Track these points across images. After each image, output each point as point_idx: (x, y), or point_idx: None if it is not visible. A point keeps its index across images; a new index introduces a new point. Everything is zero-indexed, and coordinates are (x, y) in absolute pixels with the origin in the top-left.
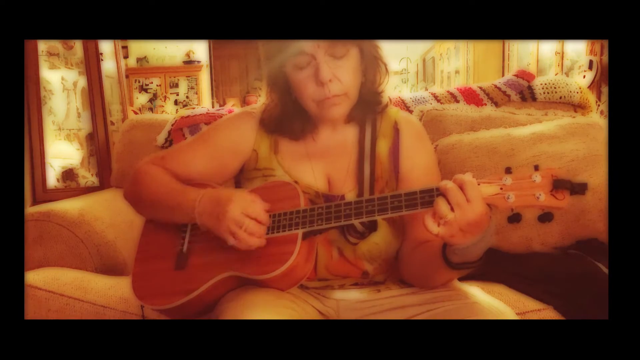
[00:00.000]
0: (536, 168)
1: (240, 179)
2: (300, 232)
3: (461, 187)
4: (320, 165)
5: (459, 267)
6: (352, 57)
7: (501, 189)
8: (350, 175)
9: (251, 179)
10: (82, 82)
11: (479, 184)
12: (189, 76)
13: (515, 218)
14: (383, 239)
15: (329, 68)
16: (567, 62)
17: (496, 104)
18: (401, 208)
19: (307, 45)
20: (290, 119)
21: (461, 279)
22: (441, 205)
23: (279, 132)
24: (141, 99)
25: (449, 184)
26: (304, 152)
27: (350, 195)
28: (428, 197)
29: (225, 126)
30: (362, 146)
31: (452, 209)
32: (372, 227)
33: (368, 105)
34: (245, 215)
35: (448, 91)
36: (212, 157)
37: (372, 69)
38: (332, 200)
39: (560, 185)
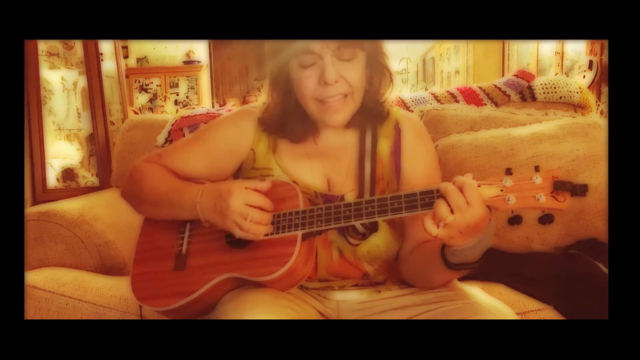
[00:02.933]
0: (537, 169)
1: (238, 177)
2: (299, 233)
3: (461, 190)
4: (320, 166)
5: (458, 267)
6: (358, 61)
7: (501, 190)
8: (350, 176)
9: (249, 179)
10: (82, 82)
11: (479, 186)
12: (189, 76)
13: (515, 220)
14: (383, 241)
15: (335, 69)
16: (567, 62)
17: (496, 104)
18: (401, 210)
19: (314, 45)
20: (291, 121)
21: (461, 279)
22: (441, 207)
23: (279, 133)
24: (141, 99)
25: (449, 186)
26: (303, 152)
27: (350, 196)
28: (428, 199)
29: (223, 125)
30: (363, 147)
31: (452, 212)
32: (373, 227)
33: (370, 114)
34: (248, 205)
35: (448, 91)
36: (208, 156)
37: (377, 76)
38: (332, 201)
39: (560, 186)
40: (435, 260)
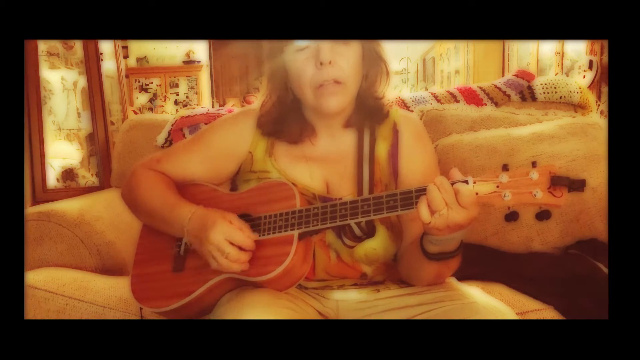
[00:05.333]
0: (534, 165)
1: (235, 180)
2: (296, 232)
3: (456, 195)
4: (318, 169)
5: (436, 257)
6: (353, 48)
7: (497, 187)
8: (348, 180)
9: (247, 181)
10: (82, 82)
11: (475, 182)
12: (189, 76)
13: (512, 216)
14: (381, 244)
15: (330, 50)
16: (567, 62)
17: (496, 104)
18: (397, 207)
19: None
20: (288, 122)
21: (461, 279)
22: (436, 197)
23: (276, 135)
24: (141, 99)
25: (444, 183)
26: (301, 155)
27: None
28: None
29: (221, 128)
30: (361, 150)
31: (446, 204)
32: (370, 232)
33: (368, 112)
34: (228, 241)
35: (448, 91)
36: (207, 160)
37: (373, 70)
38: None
39: (557, 182)
40: (416, 252)
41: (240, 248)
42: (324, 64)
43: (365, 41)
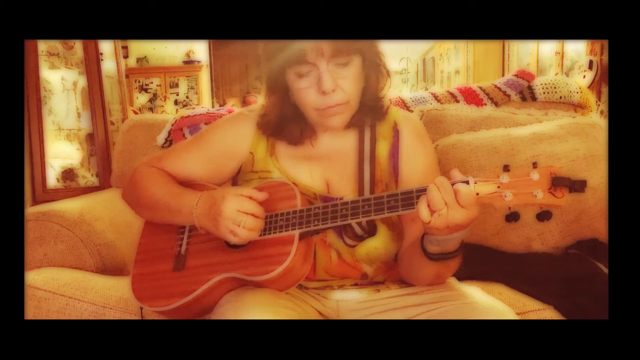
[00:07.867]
0: (534, 165)
1: (237, 180)
2: (296, 232)
3: (455, 195)
4: (319, 169)
5: (437, 257)
6: (354, 66)
7: (498, 187)
8: (349, 180)
9: (248, 181)
10: (82, 82)
11: (476, 183)
12: (189, 76)
13: (512, 217)
14: (382, 243)
15: (332, 78)
16: (567, 62)
17: (496, 104)
18: (397, 208)
19: (309, 55)
20: (288, 124)
21: (461, 279)
22: (436, 196)
23: (276, 136)
24: (141, 99)
25: (444, 183)
26: (301, 155)
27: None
28: None
29: (222, 128)
30: (362, 149)
31: (445, 204)
32: (371, 231)
33: (369, 111)
34: (240, 212)
35: (448, 91)
36: (207, 161)
37: (374, 74)
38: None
39: (558, 182)
40: (417, 252)
41: (253, 216)
42: (328, 93)
43: (364, 53)
